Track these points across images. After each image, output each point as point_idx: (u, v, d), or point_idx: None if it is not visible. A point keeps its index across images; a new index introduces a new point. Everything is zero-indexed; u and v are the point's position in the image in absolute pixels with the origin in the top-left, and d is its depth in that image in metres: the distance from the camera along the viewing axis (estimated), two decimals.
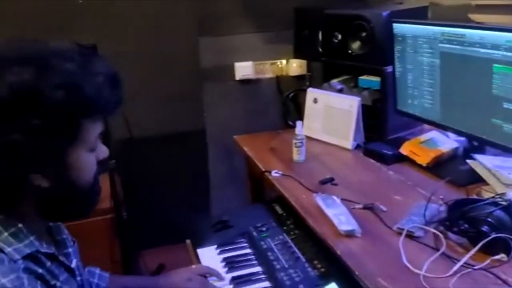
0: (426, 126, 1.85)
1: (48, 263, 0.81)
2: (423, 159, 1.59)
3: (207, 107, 2.55)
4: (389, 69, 1.81)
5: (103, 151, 0.89)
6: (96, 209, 2.04)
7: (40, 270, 0.77)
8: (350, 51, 1.91)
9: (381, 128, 1.88)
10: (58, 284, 0.81)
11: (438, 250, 1.11)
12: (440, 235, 1.16)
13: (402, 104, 1.80)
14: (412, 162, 1.63)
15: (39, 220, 0.85)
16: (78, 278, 0.94)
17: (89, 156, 0.83)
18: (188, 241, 1.55)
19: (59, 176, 0.79)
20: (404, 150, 1.66)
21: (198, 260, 1.41)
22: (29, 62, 0.73)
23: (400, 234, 1.19)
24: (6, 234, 0.77)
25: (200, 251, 1.44)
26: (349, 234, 1.23)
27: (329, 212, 1.31)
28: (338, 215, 1.29)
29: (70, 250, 0.95)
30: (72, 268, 0.90)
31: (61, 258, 0.87)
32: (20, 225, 0.79)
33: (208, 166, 2.64)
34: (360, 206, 1.37)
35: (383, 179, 1.59)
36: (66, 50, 0.80)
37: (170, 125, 2.49)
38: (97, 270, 1.20)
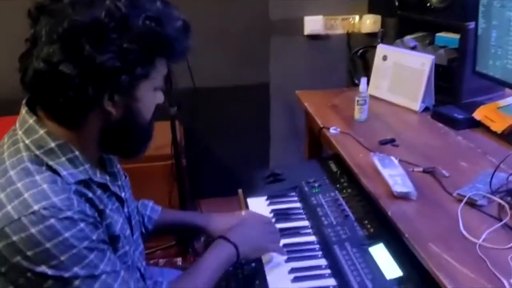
0: (508, 90, 1.68)
1: (99, 191, 0.84)
2: (499, 125, 1.45)
3: (273, 60, 2.50)
4: (471, 25, 1.64)
5: (161, 97, 0.92)
6: (157, 154, 2.17)
7: (90, 194, 0.81)
8: (429, 5, 1.76)
9: (455, 91, 1.73)
10: (107, 211, 0.85)
11: (500, 220, 1.02)
12: (506, 205, 1.06)
13: (482, 65, 1.63)
14: (486, 129, 1.49)
15: (95, 150, 0.87)
16: (126, 210, 0.97)
17: (153, 96, 0.88)
18: (240, 190, 1.56)
19: (126, 107, 0.82)
20: (478, 115, 1.53)
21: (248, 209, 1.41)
22: None
23: (460, 201, 1.11)
24: (63, 158, 0.80)
25: (250, 200, 1.45)
26: (403, 196, 1.16)
27: (385, 172, 1.25)
28: (394, 176, 1.22)
29: (120, 182, 0.98)
30: (123, 198, 0.93)
31: (113, 188, 0.90)
32: (77, 152, 0.82)
33: (270, 120, 2.62)
34: (420, 169, 1.29)
35: (450, 144, 1.48)
36: None
37: (234, 77, 2.48)
38: (150, 203, 1.24)
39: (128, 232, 0.92)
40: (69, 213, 0.74)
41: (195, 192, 2.50)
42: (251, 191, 1.49)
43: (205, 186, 2.61)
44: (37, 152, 0.78)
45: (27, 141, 0.79)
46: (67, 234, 0.73)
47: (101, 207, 0.83)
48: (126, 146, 0.91)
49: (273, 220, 1.32)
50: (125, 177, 1.05)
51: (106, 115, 0.82)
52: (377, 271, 1.06)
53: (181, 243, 2.24)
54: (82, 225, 0.75)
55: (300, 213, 1.36)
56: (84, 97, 0.77)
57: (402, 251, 1.08)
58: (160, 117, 2.13)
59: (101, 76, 0.77)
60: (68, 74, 0.74)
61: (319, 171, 1.52)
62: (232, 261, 1.03)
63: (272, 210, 1.37)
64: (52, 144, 0.79)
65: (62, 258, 0.72)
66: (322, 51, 2.52)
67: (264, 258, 1.15)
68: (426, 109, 1.71)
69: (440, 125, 1.60)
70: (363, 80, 1.64)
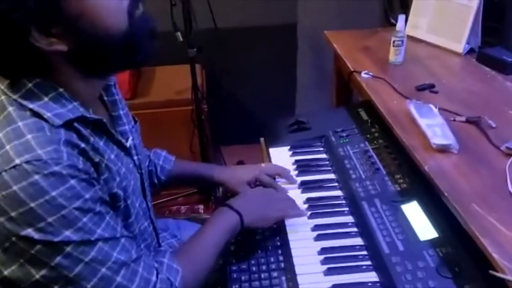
0: None
1: (92, 139, 0.73)
2: None
3: None
4: None
5: None
6: (177, 99, 2.07)
7: (83, 145, 0.70)
8: None
9: (505, 31, 1.53)
10: (104, 161, 0.74)
11: None
12: None
13: None
14: None
15: (87, 84, 0.75)
16: (135, 157, 0.88)
17: None
18: (262, 139, 1.46)
19: (73, 34, 0.66)
20: None
21: (269, 160, 1.32)
22: None
23: (509, 155, 0.98)
24: (46, 98, 0.69)
25: (272, 150, 1.34)
26: (443, 149, 1.04)
27: (422, 122, 1.11)
28: (432, 126, 1.09)
29: (127, 127, 0.88)
30: (126, 146, 0.84)
31: (113, 132, 0.80)
32: (61, 89, 0.71)
33: (296, 64, 2.46)
34: (463, 118, 1.15)
35: (497, 90, 1.32)
36: None
37: (258, 16, 2.31)
38: (164, 153, 1.16)
39: (133, 182, 0.83)
40: (56, 168, 0.64)
41: (217, 138, 2.43)
42: (274, 140, 1.38)
43: (227, 133, 2.52)
44: (15, 97, 0.68)
45: (2, 87, 0.69)
46: (54, 193, 0.63)
47: (97, 159, 0.72)
48: (116, 62, 0.74)
49: (296, 172, 1.23)
50: (135, 122, 0.95)
51: (62, 54, 0.68)
52: (409, 231, 0.96)
53: (203, 191, 2.19)
54: (72, 182, 0.65)
55: (325, 165, 1.25)
56: (12, 47, 0.64)
57: (438, 210, 0.97)
58: (179, 60, 2.05)
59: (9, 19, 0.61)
60: None
61: (347, 120, 1.39)
62: (236, 230, 0.94)
63: (296, 161, 1.27)
64: (29, 85, 0.68)
65: (50, 219, 0.63)
66: None
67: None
68: (470, 51, 1.54)
69: (487, 69, 1.43)
70: (401, 17, 1.46)
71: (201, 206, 2.23)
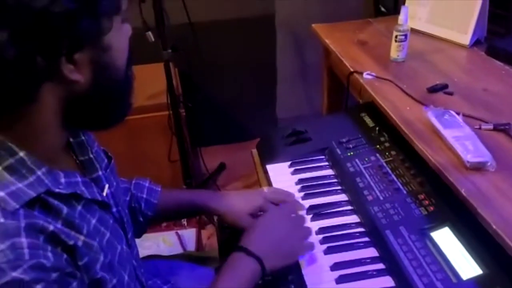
0: None
1: (65, 210, 0.56)
2: None
3: None
4: None
5: (129, 28, 0.64)
6: (152, 104, 1.87)
7: (51, 227, 0.52)
8: None
9: None
10: (82, 239, 0.57)
11: None
12: None
13: None
14: None
15: (58, 136, 0.60)
16: (114, 209, 0.70)
17: (122, 33, 0.61)
18: (254, 150, 1.29)
19: (95, 63, 0.56)
20: None
21: (266, 178, 1.15)
22: None
23: None
24: None
25: (270, 167, 1.17)
26: (477, 167, 0.90)
27: (447, 133, 0.97)
28: (461, 139, 0.95)
29: (100, 173, 0.70)
30: (103, 201, 0.66)
31: (90, 193, 0.62)
32: (21, 153, 0.54)
33: (276, 58, 2.29)
34: (489, 126, 1.01)
35: None
36: None
37: (234, 8, 2.11)
38: (147, 183, 0.97)
39: (119, 248, 0.65)
40: (14, 274, 0.46)
41: (196, 140, 2.24)
42: (270, 155, 1.21)
43: (206, 133, 2.34)
44: None
45: None
46: None
47: (71, 241, 0.54)
48: (106, 114, 0.64)
49: (301, 194, 1.06)
50: (109, 160, 0.77)
51: (67, 85, 0.54)
52: (448, 268, 0.82)
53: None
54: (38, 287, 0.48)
55: (334, 184, 1.10)
56: (30, 73, 0.49)
57: (477, 238, 0.83)
58: (151, 58, 1.85)
59: (50, 31, 0.48)
60: None
61: (351, 127, 1.24)
62: (256, 278, 0.77)
63: (299, 181, 1.11)
64: None
65: None
66: None
67: None
68: (477, 42, 1.40)
69: (498, 63, 1.31)
70: (404, 9, 1.30)
71: (183, 219, 2.04)
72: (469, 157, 0.89)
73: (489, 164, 0.88)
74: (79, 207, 0.59)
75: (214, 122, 2.38)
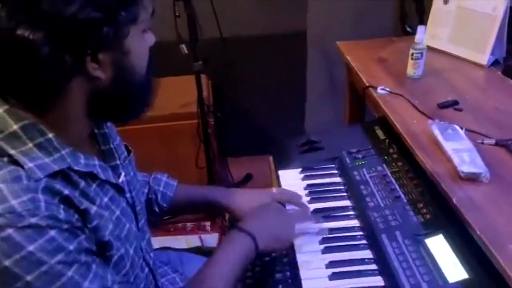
0: None
1: (83, 183, 0.66)
2: None
3: (311, 5, 2.21)
4: None
5: (152, 38, 0.73)
6: (182, 112, 1.99)
7: (66, 191, 0.62)
8: None
9: None
10: (94, 209, 0.67)
11: None
12: None
13: None
14: None
15: (83, 124, 0.70)
16: (128, 195, 0.80)
17: (143, 41, 0.70)
18: (270, 158, 1.37)
19: (116, 64, 0.65)
20: None
21: (278, 182, 1.22)
22: None
23: None
24: (30, 144, 0.61)
25: (281, 172, 1.25)
26: (472, 178, 0.93)
27: (448, 146, 1.01)
28: (459, 152, 0.99)
29: (118, 162, 0.80)
30: (119, 185, 0.76)
31: (105, 175, 0.72)
32: (50, 135, 0.64)
33: (306, 74, 2.37)
34: (492, 141, 1.04)
35: None
36: None
37: (266, 24, 2.22)
38: (164, 178, 1.06)
39: (128, 225, 0.75)
40: (32, 220, 0.56)
41: (224, 150, 2.34)
42: (284, 161, 1.29)
43: (235, 144, 2.43)
44: None
45: None
46: (31, 247, 0.56)
47: (83, 206, 0.64)
48: (124, 109, 0.73)
49: (308, 198, 1.13)
50: (129, 153, 0.87)
51: (92, 81, 0.64)
52: (436, 271, 0.86)
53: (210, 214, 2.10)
54: (52, 233, 0.58)
55: (340, 190, 1.15)
56: (61, 68, 0.59)
57: (467, 246, 0.87)
58: (185, 70, 1.97)
59: (77, 34, 0.58)
60: (31, 41, 0.55)
61: (363, 139, 1.29)
62: (251, 254, 0.86)
63: (308, 186, 1.18)
64: (15, 127, 0.61)
65: (29, 278, 0.56)
66: None
67: (297, 249, 0.97)
68: (495, 62, 1.43)
69: None
70: (421, 28, 1.36)
71: (208, 223, 2.13)
72: (464, 168, 0.93)
73: (483, 175, 0.92)
74: (94, 185, 0.69)
75: (243, 134, 2.47)
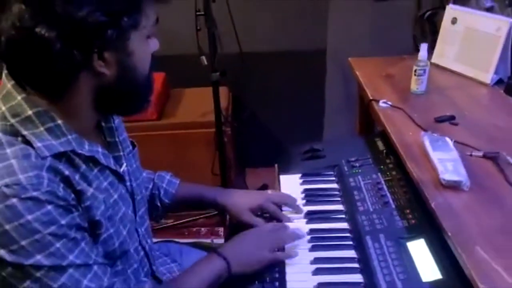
0: None
1: (83, 166, 0.76)
2: None
3: (331, 23, 2.29)
4: None
5: (155, 44, 0.82)
6: (200, 121, 2.10)
7: (67, 172, 0.72)
8: None
9: None
10: (90, 191, 0.76)
11: None
12: None
13: None
14: None
15: (89, 115, 0.79)
16: (128, 183, 0.89)
17: (146, 46, 0.80)
18: (276, 165, 1.44)
19: (120, 63, 0.75)
20: None
21: (279, 187, 1.30)
22: None
23: None
24: (41, 128, 0.72)
25: (283, 177, 1.32)
26: (453, 186, 0.98)
27: (435, 155, 1.06)
28: (444, 161, 1.04)
29: (122, 153, 0.89)
30: (116, 171, 0.85)
31: (106, 161, 0.82)
32: (59, 121, 0.74)
33: (325, 90, 2.43)
34: (480, 153, 1.09)
35: None
36: None
37: (286, 41, 2.31)
38: (168, 176, 1.16)
39: (123, 209, 0.84)
40: (34, 193, 0.66)
41: (242, 160, 2.42)
42: (287, 167, 1.36)
43: (253, 155, 2.52)
44: (12, 121, 0.71)
45: (3, 108, 0.72)
46: (29, 217, 0.65)
47: (80, 187, 0.74)
48: (126, 104, 0.83)
49: (304, 201, 1.20)
50: (133, 147, 0.97)
51: (98, 77, 0.74)
52: (412, 271, 0.91)
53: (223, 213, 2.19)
54: (49, 207, 0.67)
55: (335, 195, 1.21)
56: (71, 62, 0.69)
57: (445, 250, 0.91)
58: (207, 82, 2.09)
59: (85, 34, 0.68)
60: (46, 38, 0.66)
61: (363, 149, 1.35)
62: (221, 277, 0.93)
63: (305, 190, 1.24)
64: (30, 112, 0.71)
65: (23, 243, 0.65)
66: (387, 13, 2.26)
67: (286, 246, 1.04)
68: (499, 81, 1.46)
69: None
70: (423, 46, 1.42)
71: (221, 229, 2.22)
72: (446, 176, 0.98)
73: (463, 183, 0.97)
74: (96, 170, 0.79)
75: (262, 145, 2.55)
